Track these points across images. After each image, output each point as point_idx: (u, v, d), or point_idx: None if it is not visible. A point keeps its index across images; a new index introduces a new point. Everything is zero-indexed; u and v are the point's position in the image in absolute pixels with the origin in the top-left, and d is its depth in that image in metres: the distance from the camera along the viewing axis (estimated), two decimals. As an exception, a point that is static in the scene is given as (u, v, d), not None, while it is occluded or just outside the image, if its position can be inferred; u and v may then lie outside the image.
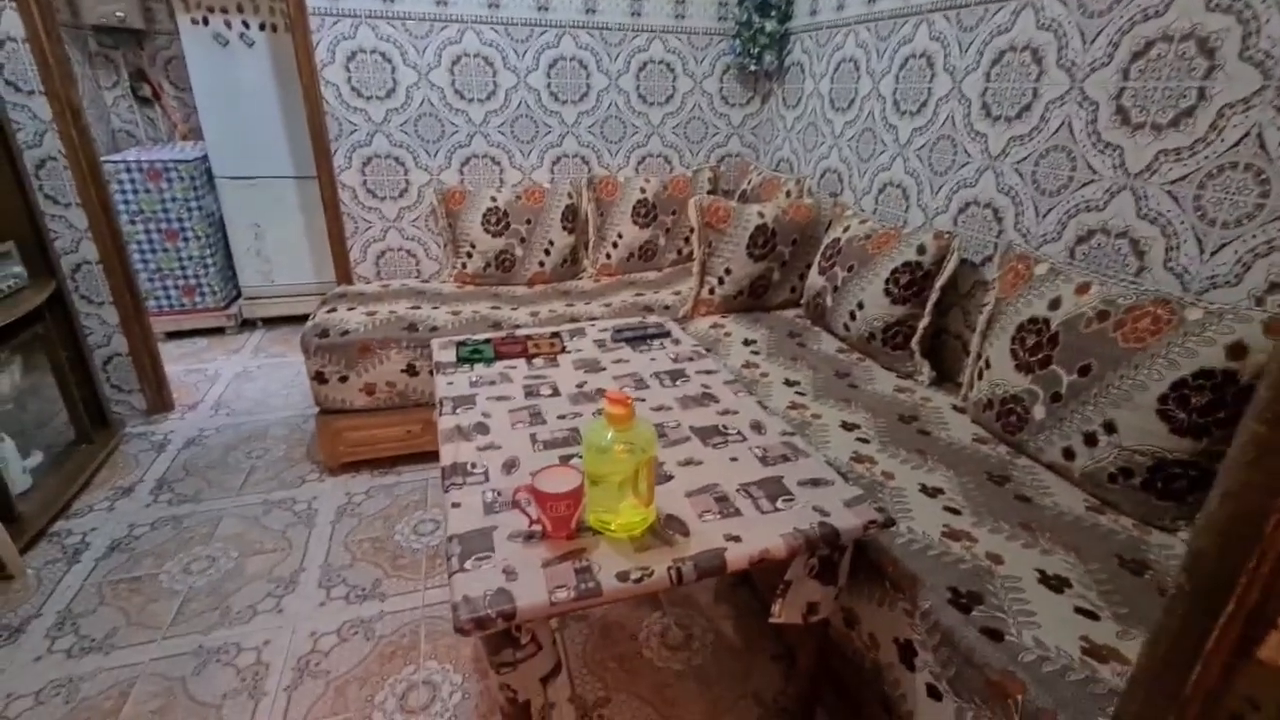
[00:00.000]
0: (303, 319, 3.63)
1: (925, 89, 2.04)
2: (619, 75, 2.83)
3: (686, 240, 2.95)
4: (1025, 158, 1.71)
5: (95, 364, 2.49)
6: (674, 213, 2.89)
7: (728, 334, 2.21)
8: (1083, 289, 1.40)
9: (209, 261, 3.40)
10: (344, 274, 2.79)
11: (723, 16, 2.87)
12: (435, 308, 2.43)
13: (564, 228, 2.78)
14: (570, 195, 2.79)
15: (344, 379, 2.21)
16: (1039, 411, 1.42)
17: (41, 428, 2.29)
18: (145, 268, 3.30)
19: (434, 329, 2.28)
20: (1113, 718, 0.50)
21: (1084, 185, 1.55)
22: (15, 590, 1.77)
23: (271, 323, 3.72)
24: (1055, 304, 1.43)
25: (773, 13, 2.74)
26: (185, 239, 3.32)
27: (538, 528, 1.08)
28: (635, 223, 2.85)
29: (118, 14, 3.33)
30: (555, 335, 1.95)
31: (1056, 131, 1.61)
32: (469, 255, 2.71)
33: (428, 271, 2.90)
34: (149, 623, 1.67)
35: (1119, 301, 1.32)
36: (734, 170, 3.11)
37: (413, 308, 2.41)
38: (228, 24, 3.19)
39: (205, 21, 3.16)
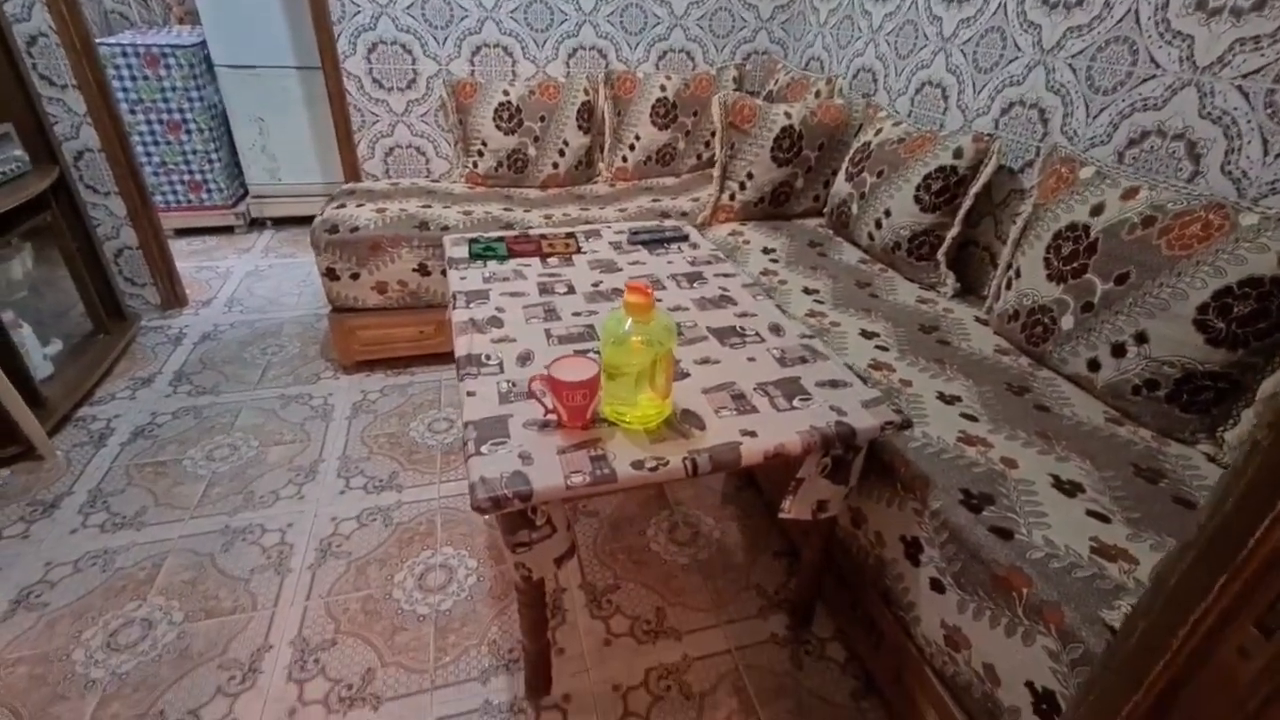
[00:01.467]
0: (312, 220, 3.58)
1: (977, -27, 1.86)
2: (641, -44, 2.61)
3: (707, 145, 2.82)
4: (1081, 51, 1.57)
5: (106, 256, 2.47)
6: (695, 114, 2.74)
7: (746, 242, 2.15)
8: (1130, 194, 1.32)
9: (214, 157, 3.31)
10: (352, 170, 2.70)
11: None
12: (446, 207, 2.36)
13: (579, 127, 2.65)
14: (586, 92, 2.64)
15: (355, 276, 2.18)
16: (1067, 322, 1.38)
17: (59, 318, 2.30)
18: (149, 161, 3.21)
19: (445, 228, 2.22)
20: (1155, 576, 0.49)
21: (1143, 81, 1.43)
22: (46, 469, 1.84)
23: (281, 223, 3.66)
24: (1098, 210, 1.36)
25: (813, -115, 2.48)
26: (188, 131, 3.21)
27: (553, 417, 1.08)
28: (654, 124, 2.71)
29: (99, -124, 3.07)
30: (570, 235, 1.90)
31: (1121, 20, 1.47)
32: (480, 154, 2.60)
33: (438, 171, 2.80)
34: (177, 503, 1.74)
35: (1168, 207, 1.25)
36: (760, 69, 2.92)
37: (423, 206, 2.35)
38: (218, -111, 2.93)
39: (194, -114, 2.91)
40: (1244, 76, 1.24)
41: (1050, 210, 1.47)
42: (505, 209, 2.41)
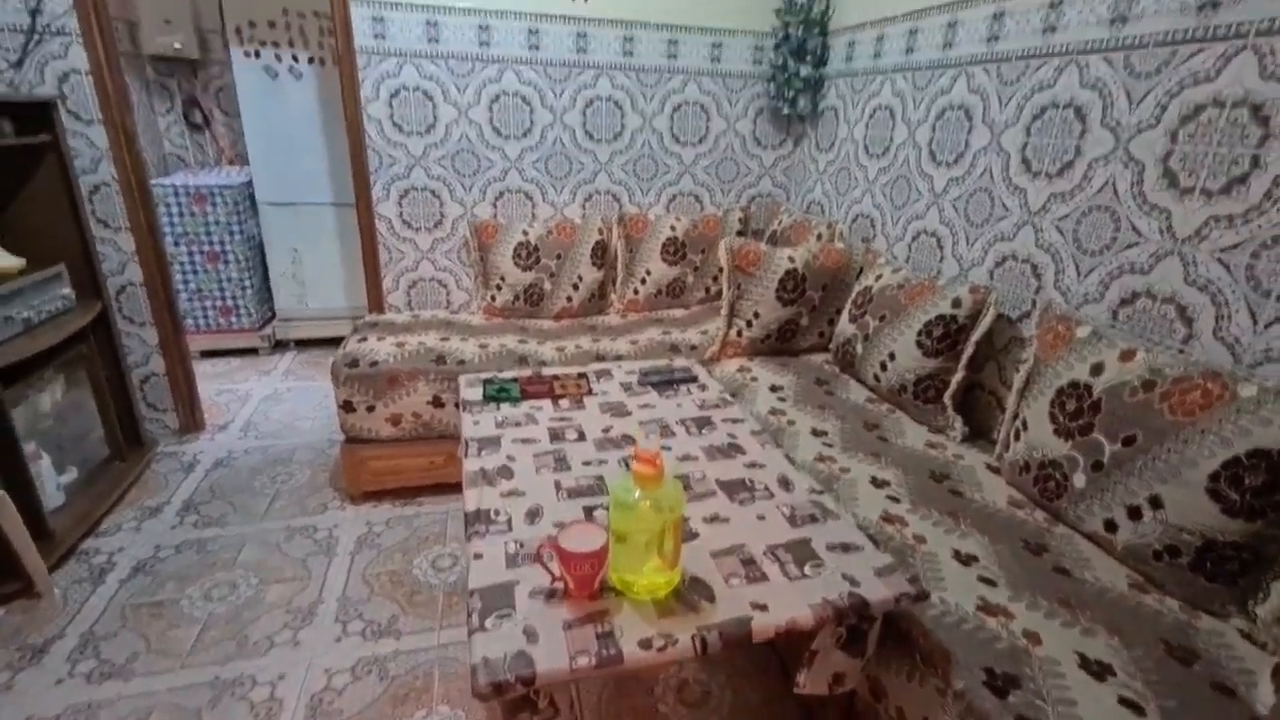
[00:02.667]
0: (333, 342, 3.72)
1: (962, 140, 2.03)
2: (653, 115, 2.87)
3: (715, 279, 2.95)
4: (1066, 215, 1.68)
5: (133, 383, 2.56)
6: (703, 251, 2.90)
7: (754, 378, 2.19)
8: (1127, 355, 1.36)
9: (247, 283, 3.49)
10: (376, 302, 2.83)
11: (758, 61, 2.90)
12: (464, 340, 2.45)
13: (593, 263, 2.80)
14: (601, 231, 2.81)
15: (371, 409, 2.23)
16: (1079, 480, 1.37)
17: (78, 443, 2.34)
18: (185, 288, 3.39)
19: (461, 362, 2.29)
20: None
21: (1128, 247, 1.52)
22: (42, 608, 1.80)
23: (303, 344, 3.79)
24: (1098, 369, 1.39)
25: (808, 58, 2.77)
26: (226, 261, 3.41)
27: (560, 585, 1.06)
28: (664, 260, 2.86)
29: (175, 45, 3.49)
30: (582, 376, 1.95)
31: (1099, 191, 1.58)
32: (498, 288, 2.74)
33: (457, 302, 2.93)
34: (169, 650, 1.68)
35: (1166, 371, 1.28)
36: (764, 210, 3.11)
37: (441, 339, 2.44)
38: (278, 57, 3.31)
39: (257, 55, 3.29)
40: (1223, 250, 1.32)
41: (1051, 366, 1.50)
42: (520, 341, 2.49)
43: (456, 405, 2.22)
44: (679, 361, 2.13)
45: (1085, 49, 1.60)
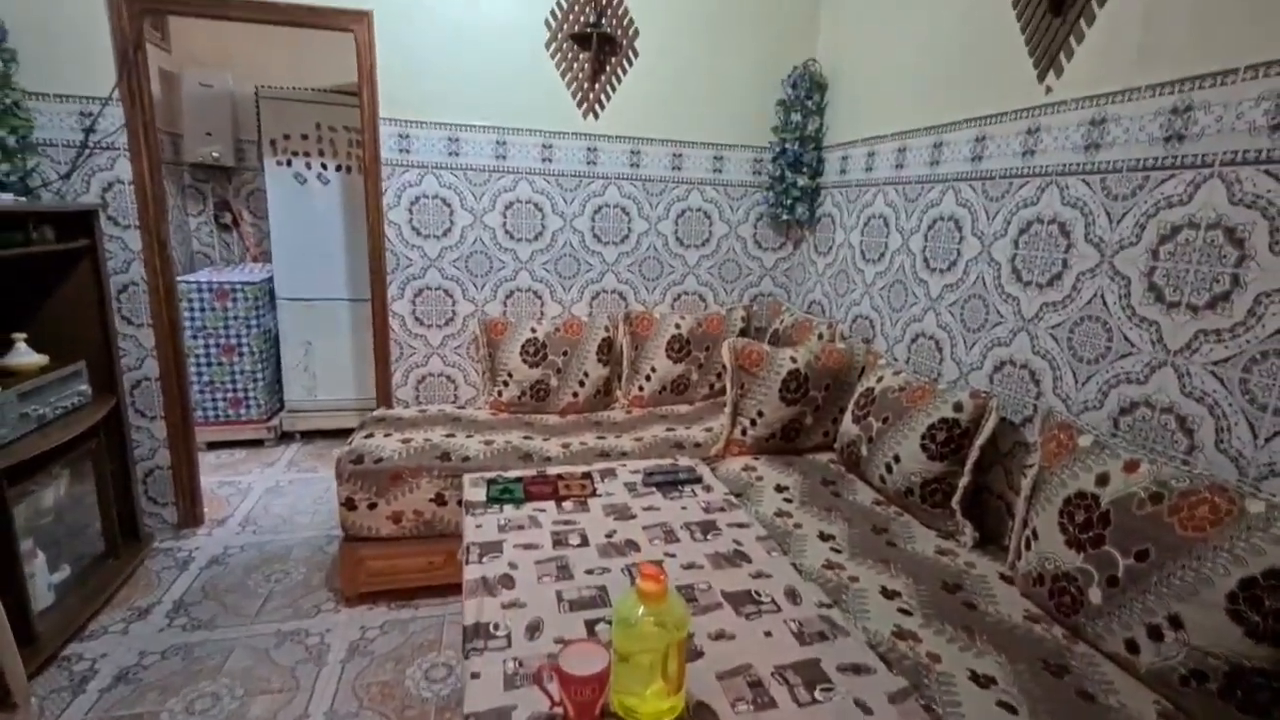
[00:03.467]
0: (339, 433, 3.74)
1: (954, 249, 2.12)
2: (659, 221, 3.02)
3: (719, 376, 2.99)
4: (1059, 324, 1.73)
5: (136, 477, 2.55)
6: (707, 349, 2.96)
7: (760, 478, 2.17)
8: (1131, 466, 1.36)
9: (259, 375, 3.56)
10: (384, 397, 2.87)
11: (757, 171, 3.08)
12: (469, 436, 2.46)
13: (599, 360, 2.85)
14: (607, 329, 2.89)
15: (372, 506, 2.21)
16: (1095, 595, 1.33)
17: (74, 538, 2.31)
18: (199, 379, 3.46)
19: (466, 459, 2.30)
20: None
21: (1123, 357, 1.55)
22: (15, 722, 1.71)
23: (309, 435, 3.80)
24: (1103, 480, 1.38)
25: (804, 169, 2.94)
26: (241, 354, 3.50)
27: (559, 710, 1.02)
28: (669, 357, 2.92)
29: (214, 154, 3.74)
30: (586, 476, 1.94)
31: (1089, 302, 1.64)
32: (505, 384, 2.78)
33: (464, 397, 2.97)
34: (142, 771, 1.58)
35: (1172, 484, 1.27)
36: (766, 309, 3.20)
37: (447, 435, 2.45)
38: (308, 165, 3.54)
39: (289, 163, 3.52)
40: (1215, 364, 1.35)
41: (1056, 475, 1.50)
42: (525, 437, 2.50)
43: (459, 503, 2.21)
44: (683, 460, 2.13)
45: (1063, 171, 1.71)
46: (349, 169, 3.59)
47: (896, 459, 1.95)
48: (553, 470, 2.00)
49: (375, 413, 2.69)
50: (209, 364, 3.47)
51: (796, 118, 2.90)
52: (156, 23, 3.54)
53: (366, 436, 2.40)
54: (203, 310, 3.39)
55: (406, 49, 2.59)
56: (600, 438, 2.56)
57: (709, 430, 2.62)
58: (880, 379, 2.17)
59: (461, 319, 2.90)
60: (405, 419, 2.60)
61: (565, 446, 2.45)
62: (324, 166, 3.56)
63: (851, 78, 2.76)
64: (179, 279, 3.22)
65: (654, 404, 2.95)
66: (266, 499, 3.05)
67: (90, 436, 2.28)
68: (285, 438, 3.78)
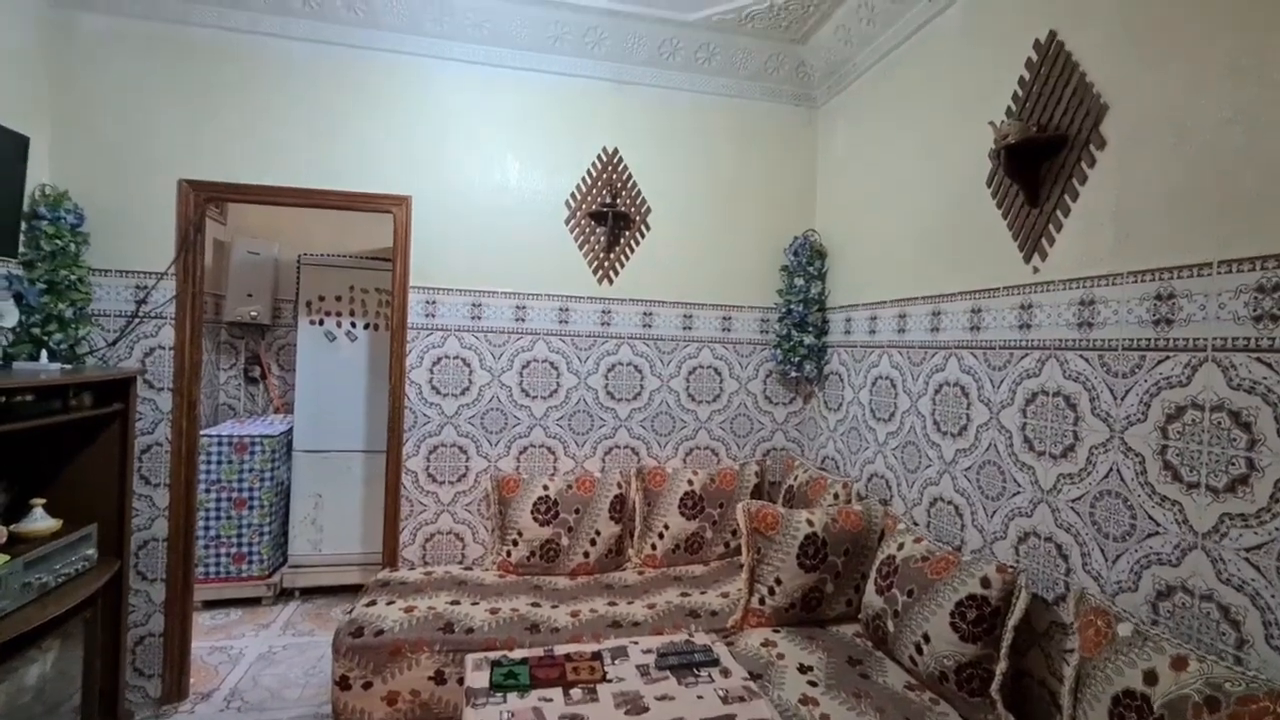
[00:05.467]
0: (341, 590, 3.61)
1: (963, 414, 2.14)
2: (670, 378, 3.11)
3: (733, 533, 2.91)
4: (1080, 497, 1.70)
5: (126, 646, 2.44)
6: (721, 505, 2.91)
7: (781, 655, 2.04)
8: (1179, 664, 1.27)
9: (265, 530, 3.51)
10: (391, 556, 2.80)
11: (764, 330, 3.21)
12: (474, 602, 2.37)
13: (612, 517, 2.80)
14: (620, 485, 2.87)
15: (368, 685, 2.08)
16: (1166, 820, 1.19)
17: (47, 714, 2.16)
18: (205, 534, 3.40)
19: (470, 630, 2.19)
20: None
21: (1150, 536, 1.51)
22: None
23: (309, 593, 3.66)
24: (1151, 678, 1.29)
25: (810, 329, 3.07)
26: (251, 507, 3.48)
27: None
28: (682, 514, 2.86)
29: (252, 313, 3.99)
30: (596, 657, 1.84)
31: (1106, 476, 1.62)
32: (515, 543, 2.72)
33: (472, 556, 2.89)
34: None
35: (1227, 688, 1.18)
36: (779, 464, 3.19)
37: (452, 602, 2.36)
38: (338, 324, 3.75)
39: (321, 322, 3.73)
40: (1247, 550, 1.30)
41: (1099, 669, 1.40)
42: (533, 604, 2.40)
43: (460, 682, 2.07)
44: (699, 637, 2.01)
45: (1061, 346, 1.77)
46: (376, 327, 3.79)
47: (926, 638, 1.84)
48: (561, 649, 1.90)
49: (380, 575, 2.61)
50: (218, 518, 3.44)
51: (800, 282, 3.08)
52: (217, 201, 3.94)
53: (369, 604, 2.32)
54: (220, 463, 3.43)
55: (439, 227, 2.85)
56: (611, 604, 2.45)
57: (725, 596, 2.50)
58: (901, 546, 2.10)
59: (474, 475, 2.90)
60: (410, 583, 2.51)
61: (574, 615, 2.34)
62: (353, 325, 3.77)
63: (849, 247, 2.97)
64: (202, 433, 3.30)
65: (667, 563, 2.85)
66: (257, 668, 2.87)
67: (88, 604, 2.21)
68: (284, 595, 3.64)
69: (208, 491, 3.41)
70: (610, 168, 3.04)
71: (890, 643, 1.99)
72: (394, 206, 2.81)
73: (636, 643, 1.95)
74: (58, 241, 2.37)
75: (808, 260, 3.10)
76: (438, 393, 2.87)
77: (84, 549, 2.19)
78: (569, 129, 3.00)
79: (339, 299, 3.75)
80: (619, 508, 2.84)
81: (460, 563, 2.87)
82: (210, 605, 3.44)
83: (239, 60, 2.65)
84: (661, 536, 2.86)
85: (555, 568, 2.72)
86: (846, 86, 2.98)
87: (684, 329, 3.13)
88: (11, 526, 2.01)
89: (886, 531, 2.29)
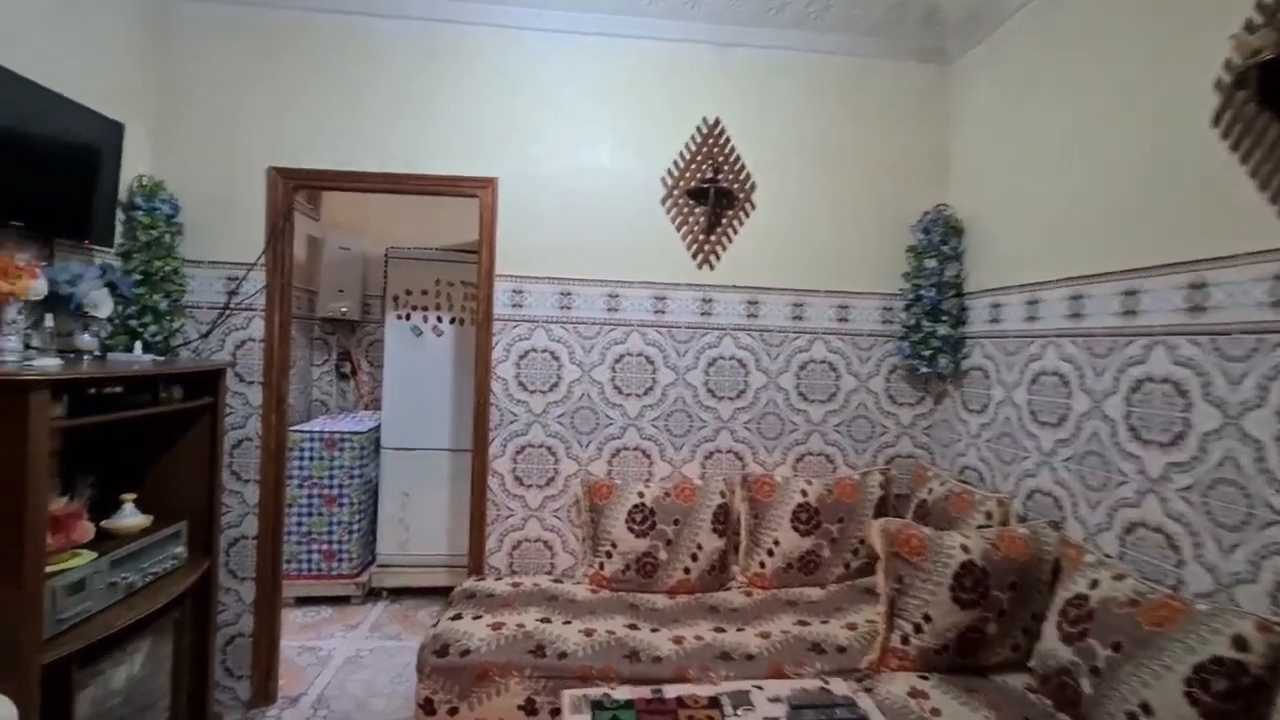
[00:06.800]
0: (428, 592, 3.50)
1: (1177, 419, 1.68)
2: (779, 374, 2.76)
3: (855, 553, 2.53)
4: (1392, 533, 1.23)
5: (216, 647, 2.37)
6: (840, 520, 2.53)
7: (936, 712, 1.66)
8: None
9: (355, 527, 3.45)
10: (477, 562, 2.62)
11: (888, 320, 2.80)
12: (566, 621, 2.13)
13: (714, 530, 2.50)
14: (723, 494, 2.56)
15: (454, 711, 1.88)
16: None
17: (136, 716, 2.10)
18: (298, 530, 3.37)
19: (563, 655, 1.95)
20: None
21: None
22: None
23: (397, 593, 3.58)
24: None
25: (944, 318, 2.64)
26: (341, 504, 3.42)
27: None
28: (795, 529, 2.51)
29: (343, 309, 3.97)
30: (714, 704, 1.53)
31: None
32: (608, 555, 2.46)
33: (562, 566, 2.66)
34: None
35: None
36: (908, 474, 2.76)
37: (542, 619, 2.13)
38: (424, 319, 3.65)
39: (408, 316, 3.64)
40: None
41: None
42: (630, 626, 2.14)
43: (553, 715, 1.83)
44: (836, 684, 1.67)
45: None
46: (462, 321, 3.66)
47: (1147, 709, 1.41)
48: (671, 690, 1.61)
49: (465, 585, 2.42)
50: (310, 514, 3.40)
51: (931, 264, 2.65)
52: (311, 197, 3.95)
53: (454, 618, 2.12)
54: (311, 459, 3.39)
55: (525, 210, 2.64)
56: (718, 630, 2.14)
57: (852, 628, 2.13)
58: (1095, 584, 1.67)
59: (563, 479, 2.67)
60: (498, 596, 2.31)
61: (678, 642, 2.05)
62: (439, 319, 3.66)
63: (996, 221, 2.52)
64: (294, 428, 3.27)
65: (778, 584, 2.50)
66: (344, 673, 2.77)
67: (177, 605, 2.14)
68: (372, 594, 3.57)
69: (300, 487, 3.38)
70: (711, 140, 2.73)
71: (1085, 707, 1.56)
72: (479, 189, 2.62)
73: (761, 687, 1.63)
74: (153, 232, 2.33)
75: (941, 239, 2.67)
76: (525, 389, 2.66)
77: (173, 547, 2.11)
78: (665, 99, 2.72)
79: (425, 293, 3.65)
80: (722, 519, 2.53)
81: (549, 573, 2.64)
82: (302, 602, 3.41)
83: (325, 42, 2.54)
84: (771, 554, 2.52)
85: (653, 584, 2.44)
86: (990, 33, 2.53)
87: (794, 319, 2.77)
88: (101, 522, 1.94)
89: (1067, 563, 1.85)
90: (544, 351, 2.67)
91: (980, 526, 2.17)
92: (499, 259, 2.64)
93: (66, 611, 1.65)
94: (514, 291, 2.66)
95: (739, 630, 2.15)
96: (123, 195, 2.28)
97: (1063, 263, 2.13)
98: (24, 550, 1.48)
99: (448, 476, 3.58)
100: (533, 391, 2.66)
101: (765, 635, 2.11)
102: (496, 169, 2.62)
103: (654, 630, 2.13)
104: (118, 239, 2.29)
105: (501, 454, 2.65)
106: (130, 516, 2.02)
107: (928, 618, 1.85)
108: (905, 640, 1.88)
